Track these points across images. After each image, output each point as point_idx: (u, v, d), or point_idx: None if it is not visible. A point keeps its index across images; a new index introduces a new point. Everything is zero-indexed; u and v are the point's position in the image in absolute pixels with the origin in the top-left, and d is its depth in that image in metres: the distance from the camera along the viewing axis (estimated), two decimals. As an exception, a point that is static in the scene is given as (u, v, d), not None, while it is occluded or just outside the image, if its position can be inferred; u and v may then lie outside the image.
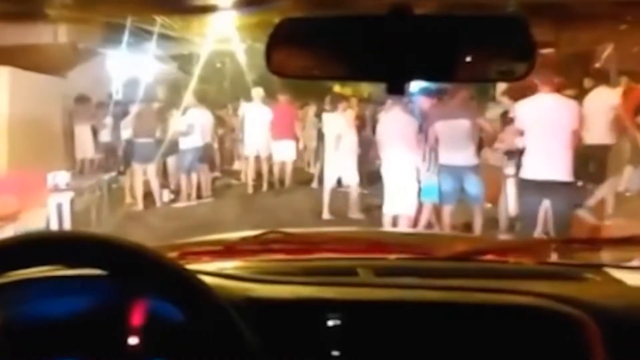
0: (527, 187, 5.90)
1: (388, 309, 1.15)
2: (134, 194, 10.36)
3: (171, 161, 11.25)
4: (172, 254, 1.39)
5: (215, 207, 10.44)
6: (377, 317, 1.12)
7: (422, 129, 7.22)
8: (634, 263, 1.56)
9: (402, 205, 7.17)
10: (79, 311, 1.11)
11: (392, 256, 1.50)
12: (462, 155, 6.90)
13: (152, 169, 10.38)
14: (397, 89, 1.06)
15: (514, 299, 1.16)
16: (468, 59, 1.05)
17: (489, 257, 1.52)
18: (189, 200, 10.74)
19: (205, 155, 11.13)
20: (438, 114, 7.07)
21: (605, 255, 1.68)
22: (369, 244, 1.66)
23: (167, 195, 10.76)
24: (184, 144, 10.64)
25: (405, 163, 7.20)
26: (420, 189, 7.19)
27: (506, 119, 7.32)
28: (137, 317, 1.09)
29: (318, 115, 11.84)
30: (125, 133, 10.54)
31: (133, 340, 1.09)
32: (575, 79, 9.30)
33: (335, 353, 1.08)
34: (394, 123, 7.36)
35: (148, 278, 0.97)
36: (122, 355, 1.08)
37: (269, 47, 1.07)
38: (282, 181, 12.13)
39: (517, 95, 6.47)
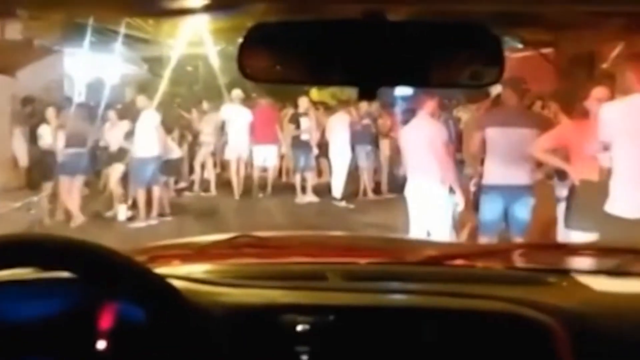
0: (614, 225, 3.98)
1: (357, 313, 1.15)
2: (68, 211, 8.92)
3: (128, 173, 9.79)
4: (142, 258, 1.38)
5: (178, 226, 9.01)
6: (346, 321, 1.12)
7: (451, 139, 6.23)
8: (601, 268, 1.59)
9: (430, 231, 5.76)
10: (46, 314, 1.10)
11: (363, 260, 1.50)
12: (516, 172, 5.33)
13: (78, 183, 8.96)
14: (368, 94, 1.07)
15: (483, 304, 1.17)
16: (438, 64, 1.06)
17: (459, 262, 1.53)
18: (147, 218, 9.26)
19: (167, 165, 9.81)
20: (490, 119, 5.68)
21: (572, 261, 1.70)
22: (340, 248, 1.67)
23: (124, 213, 9.25)
24: (139, 152, 9.18)
25: (436, 181, 5.73)
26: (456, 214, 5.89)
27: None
28: (105, 321, 1.08)
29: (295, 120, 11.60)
30: (47, 140, 9.11)
31: (101, 344, 1.07)
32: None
33: (304, 358, 1.08)
34: (420, 132, 5.85)
35: (117, 282, 0.96)
36: (90, 359, 1.07)
37: (241, 51, 1.07)
38: (263, 187, 11.69)
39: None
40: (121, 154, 9.43)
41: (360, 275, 1.40)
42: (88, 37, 11.46)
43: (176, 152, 10.30)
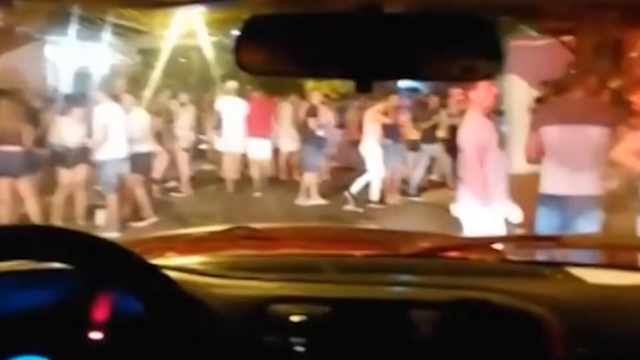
0: None
1: (352, 305, 1.16)
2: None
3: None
4: (137, 249, 1.38)
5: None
6: (341, 313, 1.13)
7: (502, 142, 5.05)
8: (594, 261, 1.60)
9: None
10: (41, 305, 1.10)
11: (358, 253, 1.51)
12: (582, 180, 4.38)
13: (24, 185, 7.63)
14: (364, 87, 1.07)
15: (477, 296, 1.17)
16: (436, 57, 1.06)
17: (453, 254, 1.54)
18: (123, 227, 8.11)
19: (140, 164, 8.64)
20: (547, 116, 4.67)
21: (566, 254, 1.71)
22: (335, 240, 1.67)
23: (102, 218, 8.24)
24: (104, 153, 7.97)
25: (486, 191, 4.53)
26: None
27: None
28: (100, 312, 1.08)
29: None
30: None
31: (96, 335, 1.08)
32: None
33: (299, 349, 1.08)
34: (473, 129, 4.66)
35: (113, 272, 0.96)
36: (85, 350, 1.07)
37: (238, 43, 1.07)
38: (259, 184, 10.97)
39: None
40: (84, 154, 8.17)
41: (355, 267, 1.40)
42: (71, 26, 10.84)
43: (146, 145, 8.90)
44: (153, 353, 1.02)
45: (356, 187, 9.91)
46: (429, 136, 10.87)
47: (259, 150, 11.24)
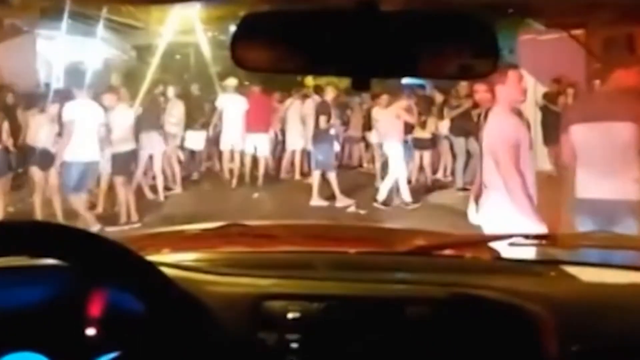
0: None
1: (347, 302, 1.16)
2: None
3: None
4: (133, 246, 1.38)
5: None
6: (335, 310, 1.13)
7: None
8: (588, 260, 1.60)
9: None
10: (36, 301, 1.10)
11: (352, 250, 1.51)
12: (617, 184, 3.89)
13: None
14: (361, 84, 1.07)
15: (471, 293, 1.18)
16: (432, 55, 1.07)
17: (448, 252, 1.54)
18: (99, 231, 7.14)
19: (121, 165, 8.13)
20: (579, 112, 4.20)
21: (560, 252, 1.72)
22: (330, 237, 1.68)
23: (93, 221, 7.54)
24: (70, 153, 7.33)
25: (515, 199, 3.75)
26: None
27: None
28: (95, 308, 1.08)
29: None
30: None
31: (91, 331, 1.08)
32: None
33: (293, 346, 1.08)
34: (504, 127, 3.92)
35: (108, 268, 0.96)
36: (80, 346, 1.07)
37: (234, 40, 1.07)
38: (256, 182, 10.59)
39: None
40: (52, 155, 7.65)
41: (350, 265, 1.41)
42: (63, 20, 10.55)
43: (128, 144, 8.34)
44: (149, 349, 1.02)
45: (384, 190, 9.31)
46: (458, 128, 10.34)
47: (260, 146, 10.99)
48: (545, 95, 10.64)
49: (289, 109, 11.76)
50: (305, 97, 11.79)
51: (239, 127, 10.90)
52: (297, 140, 11.58)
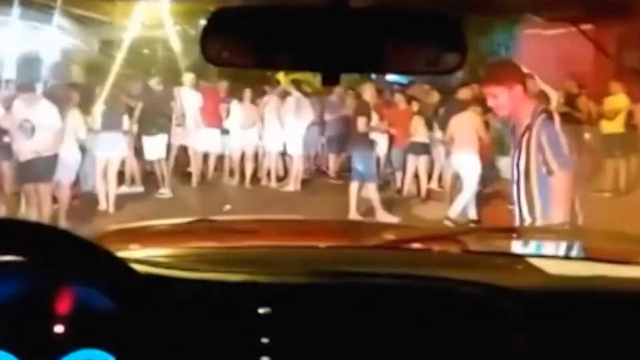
0: None
1: (317, 297, 1.16)
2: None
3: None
4: (101, 241, 1.37)
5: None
6: (306, 305, 1.14)
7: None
8: (554, 252, 1.63)
9: None
10: (1, 298, 1.08)
11: (322, 244, 1.52)
12: None
13: None
14: (331, 79, 1.08)
15: (439, 286, 1.19)
16: (400, 50, 1.08)
17: (416, 245, 1.56)
18: None
19: (44, 170, 7.16)
20: None
21: (526, 245, 1.74)
22: (299, 232, 1.68)
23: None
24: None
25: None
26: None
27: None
28: (63, 305, 1.07)
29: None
30: None
31: (59, 329, 1.06)
32: None
33: (265, 341, 1.09)
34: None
35: (75, 264, 0.95)
36: (47, 344, 1.06)
37: (204, 35, 1.07)
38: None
39: None
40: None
41: (320, 259, 1.41)
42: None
43: (54, 148, 7.35)
44: (118, 346, 1.01)
45: (456, 208, 8.00)
46: None
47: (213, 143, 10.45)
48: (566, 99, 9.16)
49: (266, 107, 10.88)
50: (285, 94, 10.91)
51: (200, 122, 10.37)
52: (274, 142, 10.74)
